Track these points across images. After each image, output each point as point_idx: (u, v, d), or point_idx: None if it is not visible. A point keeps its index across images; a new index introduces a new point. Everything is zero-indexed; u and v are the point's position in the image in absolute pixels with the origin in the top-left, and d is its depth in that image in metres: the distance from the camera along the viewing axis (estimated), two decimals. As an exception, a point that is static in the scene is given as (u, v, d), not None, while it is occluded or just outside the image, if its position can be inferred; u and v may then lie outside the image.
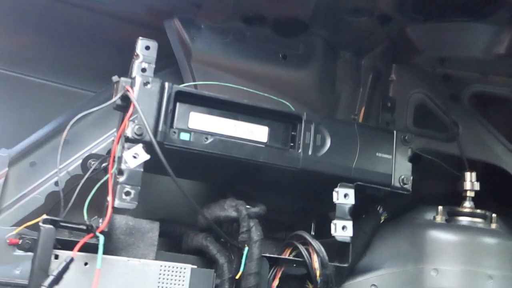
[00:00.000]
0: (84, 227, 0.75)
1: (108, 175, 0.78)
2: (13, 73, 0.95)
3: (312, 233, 0.97)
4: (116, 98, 0.79)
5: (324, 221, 0.93)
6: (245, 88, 0.90)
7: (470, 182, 0.98)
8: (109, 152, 0.90)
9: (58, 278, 0.70)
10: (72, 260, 0.72)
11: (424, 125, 1.08)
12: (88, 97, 1.00)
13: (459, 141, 1.03)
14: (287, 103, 0.92)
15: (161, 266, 0.79)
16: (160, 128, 0.80)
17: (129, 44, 0.84)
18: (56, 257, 0.73)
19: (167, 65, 1.01)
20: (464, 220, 0.95)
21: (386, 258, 0.92)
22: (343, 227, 0.87)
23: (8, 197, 0.92)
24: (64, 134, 0.79)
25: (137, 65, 0.82)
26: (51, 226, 0.73)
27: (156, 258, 0.82)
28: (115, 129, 0.94)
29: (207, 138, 0.82)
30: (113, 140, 0.90)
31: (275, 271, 0.87)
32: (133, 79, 0.80)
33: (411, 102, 1.07)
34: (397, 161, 0.91)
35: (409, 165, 0.91)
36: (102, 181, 0.80)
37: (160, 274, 0.79)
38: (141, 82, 0.80)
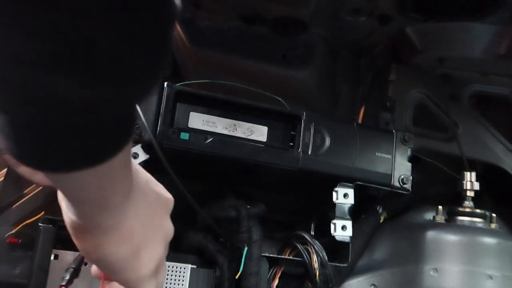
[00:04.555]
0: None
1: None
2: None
3: (312, 233, 0.97)
4: (115, 98, 0.79)
5: (324, 221, 0.93)
6: (238, 85, 0.90)
7: (470, 182, 0.98)
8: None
9: (77, 270, 0.70)
10: None
11: (424, 125, 1.08)
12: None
13: (459, 141, 1.03)
14: (281, 100, 0.92)
15: (160, 265, 0.79)
16: (159, 128, 0.80)
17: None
18: (56, 257, 0.73)
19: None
20: (463, 220, 0.95)
21: (386, 258, 0.92)
22: (343, 227, 0.87)
23: (7, 196, 0.92)
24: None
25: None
26: (50, 226, 0.73)
27: (156, 258, 0.81)
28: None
29: (206, 138, 0.82)
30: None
31: (274, 271, 0.87)
32: (133, 78, 0.81)
33: (410, 102, 1.07)
34: (396, 160, 0.91)
35: (409, 165, 0.91)
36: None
37: (159, 273, 0.79)
38: (140, 82, 0.80)
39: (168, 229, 0.53)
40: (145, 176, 0.50)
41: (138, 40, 0.31)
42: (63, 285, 0.68)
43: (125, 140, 0.38)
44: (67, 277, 0.69)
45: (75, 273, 0.70)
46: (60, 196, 0.46)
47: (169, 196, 0.53)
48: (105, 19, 0.28)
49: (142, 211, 0.48)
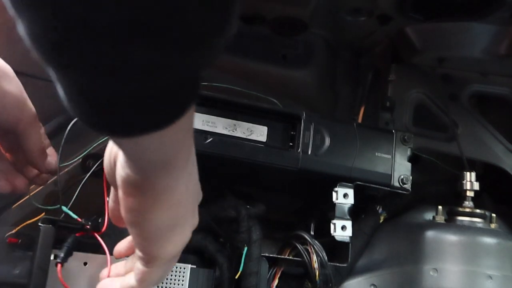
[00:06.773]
0: (86, 228, 0.75)
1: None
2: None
3: (312, 233, 0.97)
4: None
5: (324, 221, 0.93)
6: (231, 87, 0.90)
7: (470, 182, 0.98)
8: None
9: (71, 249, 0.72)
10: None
11: (424, 125, 1.08)
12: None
13: (459, 141, 1.03)
14: (275, 101, 0.92)
15: (160, 265, 0.79)
16: (159, 128, 0.79)
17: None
18: (56, 257, 0.73)
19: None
20: (463, 220, 0.95)
21: (386, 258, 0.92)
22: (343, 227, 0.87)
23: (7, 196, 0.91)
24: (65, 134, 0.79)
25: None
26: (50, 226, 0.73)
27: (156, 258, 0.81)
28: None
29: (206, 138, 0.82)
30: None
31: (274, 271, 0.87)
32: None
33: (410, 102, 1.07)
34: (396, 161, 0.91)
35: (409, 165, 0.91)
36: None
37: (159, 273, 0.78)
38: (140, 82, 0.80)
39: (197, 218, 0.54)
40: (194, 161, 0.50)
41: (215, 4, 0.32)
42: (59, 262, 0.69)
43: (192, 102, 0.39)
44: (62, 255, 0.70)
45: (69, 252, 0.71)
46: (117, 152, 0.47)
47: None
48: None
49: (191, 186, 0.49)
